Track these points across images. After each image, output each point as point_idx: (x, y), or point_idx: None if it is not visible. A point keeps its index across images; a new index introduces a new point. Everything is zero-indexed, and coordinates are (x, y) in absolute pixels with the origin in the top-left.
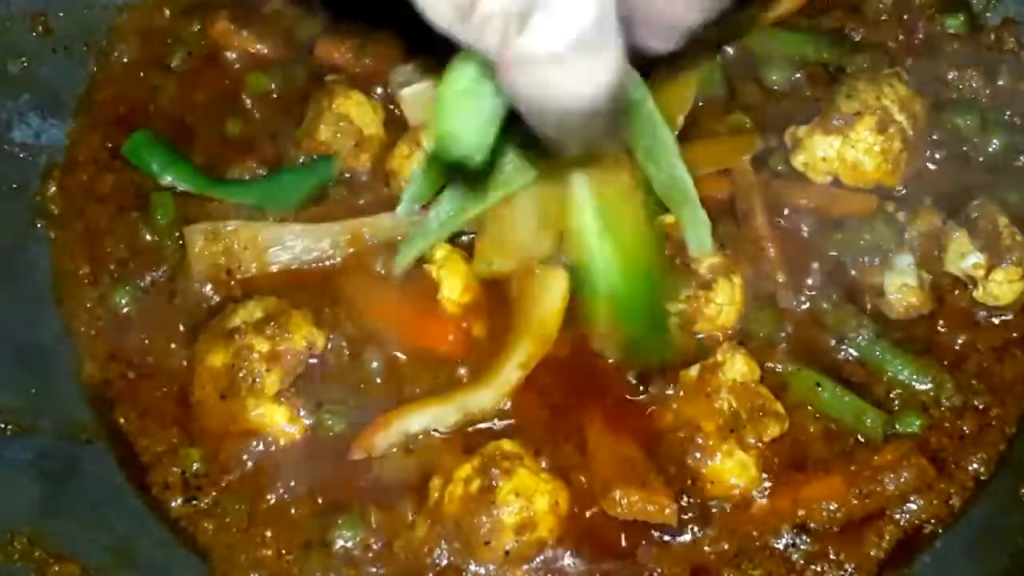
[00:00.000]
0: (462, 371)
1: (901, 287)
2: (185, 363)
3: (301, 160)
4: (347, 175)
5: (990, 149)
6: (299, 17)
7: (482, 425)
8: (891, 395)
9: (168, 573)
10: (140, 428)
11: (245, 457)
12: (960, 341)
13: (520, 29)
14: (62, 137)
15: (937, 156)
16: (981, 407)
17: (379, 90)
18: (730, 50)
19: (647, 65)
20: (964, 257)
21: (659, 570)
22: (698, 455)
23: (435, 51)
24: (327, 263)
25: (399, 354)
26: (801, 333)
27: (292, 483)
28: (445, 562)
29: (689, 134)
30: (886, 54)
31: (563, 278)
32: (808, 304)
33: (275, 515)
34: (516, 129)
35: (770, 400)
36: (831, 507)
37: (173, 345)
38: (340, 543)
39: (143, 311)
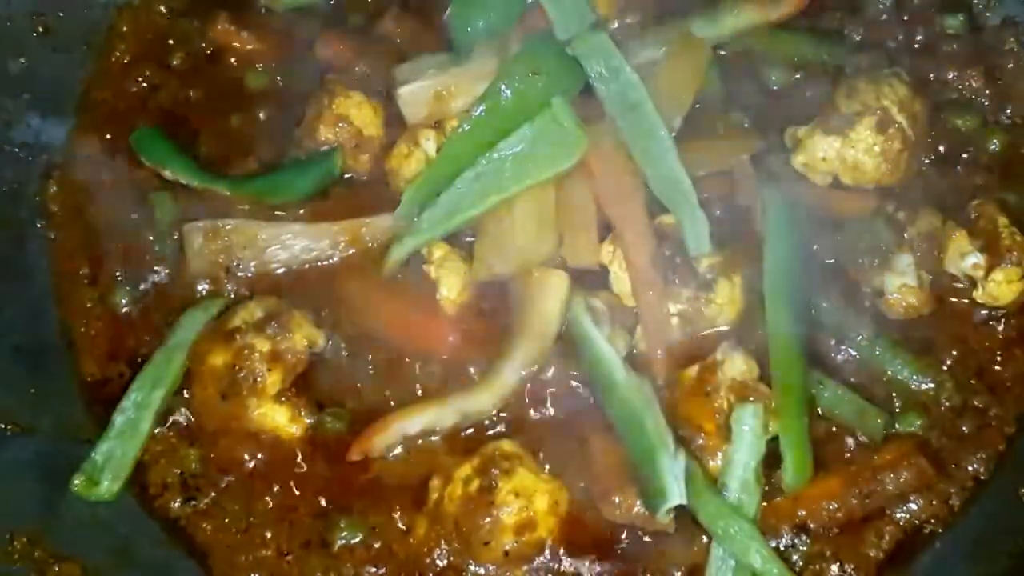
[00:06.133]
0: (461, 372)
1: (901, 287)
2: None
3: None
4: (347, 175)
5: (990, 149)
6: (299, 17)
7: (481, 426)
8: (891, 395)
9: (168, 573)
10: None
11: (245, 457)
12: (960, 341)
13: None
14: (62, 137)
15: (937, 156)
16: (980, 407)
17: (379, 90)
18: (730, 50)
19: None
20: (964, 257)
21: (658, 570)
22: (698, 454)
23: (435, 50)
24: (326, 263)
25: (398, 354)
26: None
27: (292, 483)
28: (445, 562)
29: (688, 134)
30: (886, 54)
31: (563, 280)
32: (808, 304)
33: (275, 515)
34: None
35: (770, 399)
36: (831, 507)
37: None
38: (340, 543)
39: (143, 311)
